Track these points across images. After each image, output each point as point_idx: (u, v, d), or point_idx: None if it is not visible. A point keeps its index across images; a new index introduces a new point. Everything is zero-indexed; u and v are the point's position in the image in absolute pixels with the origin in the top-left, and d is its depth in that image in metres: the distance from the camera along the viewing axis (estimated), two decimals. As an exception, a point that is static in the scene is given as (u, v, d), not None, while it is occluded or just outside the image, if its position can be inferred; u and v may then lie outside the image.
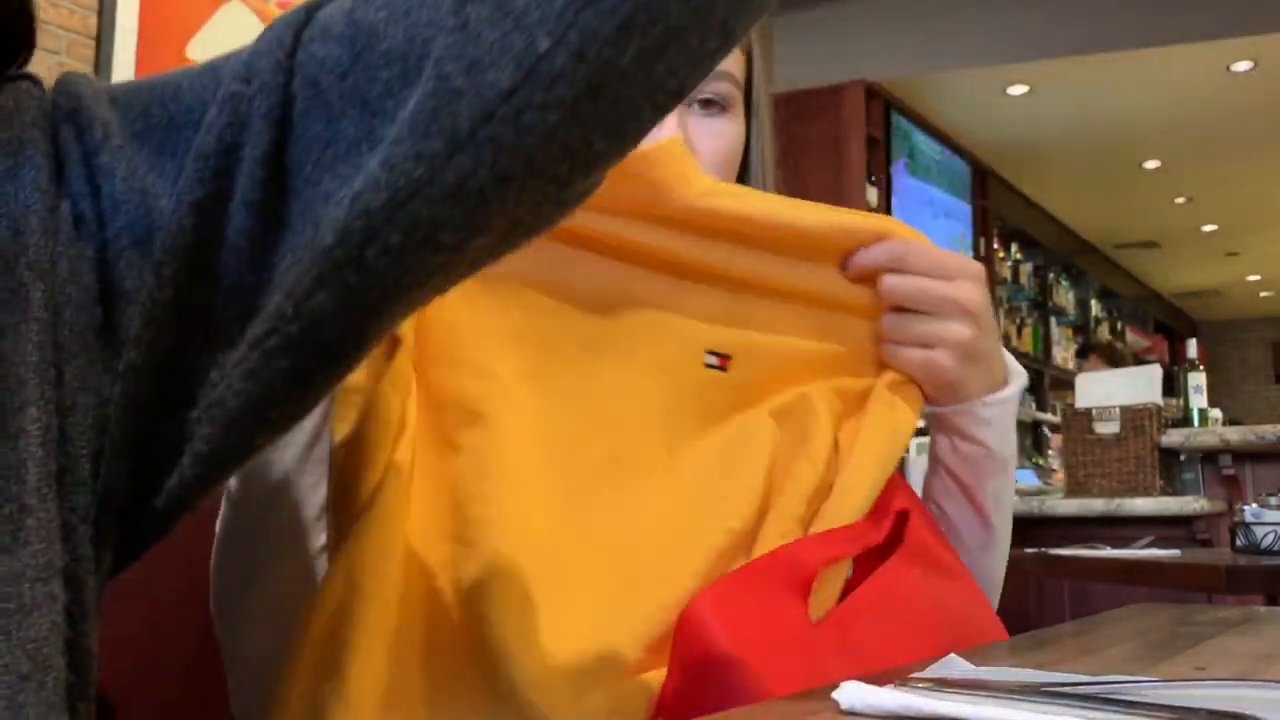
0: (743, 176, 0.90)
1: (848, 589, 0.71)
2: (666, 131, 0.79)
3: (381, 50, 0.45)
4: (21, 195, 0.46)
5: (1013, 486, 0.86)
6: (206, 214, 0.46)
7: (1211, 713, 0.43)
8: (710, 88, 0.85)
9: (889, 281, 0.76)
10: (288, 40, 0.47)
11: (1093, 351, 4.95)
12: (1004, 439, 0.82)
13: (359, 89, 0.45)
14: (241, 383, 0.46)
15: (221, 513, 0.76)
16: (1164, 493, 3.12)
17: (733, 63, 0.87)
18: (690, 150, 0.80)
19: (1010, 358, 0.82)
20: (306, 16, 0.48)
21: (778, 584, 0.67)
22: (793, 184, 0.94)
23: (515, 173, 0.43)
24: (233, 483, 0.74)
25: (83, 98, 0.49)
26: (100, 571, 0.47)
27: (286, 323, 0.45)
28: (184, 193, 0.46)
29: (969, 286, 0.76)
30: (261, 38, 0.48)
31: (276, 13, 3.28)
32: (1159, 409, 3.18)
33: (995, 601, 0.83)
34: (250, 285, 0.47)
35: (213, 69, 0.50)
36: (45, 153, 0.47)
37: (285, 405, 0.47)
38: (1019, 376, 0.82)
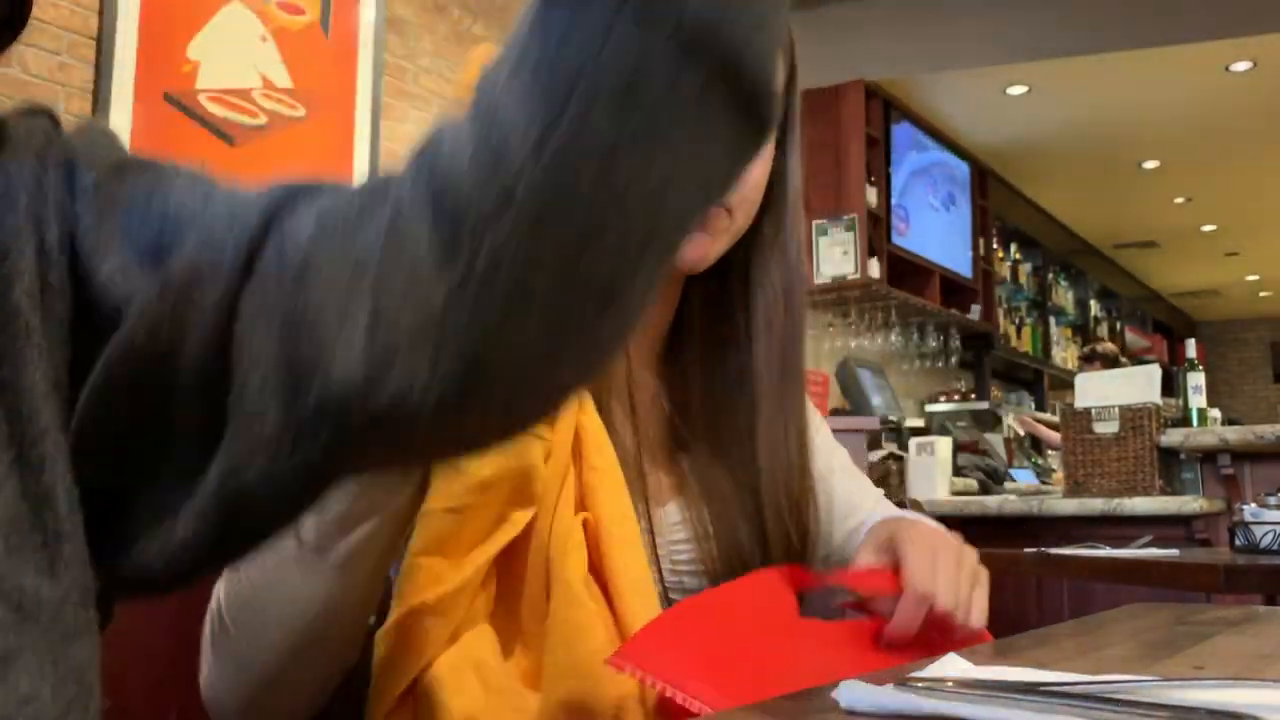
0: (765, 207, 0.82)
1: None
2: None
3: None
4: (9, 219, 0.44)
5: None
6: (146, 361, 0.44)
7: (1210, 712, 0.43)
8: None
9: None
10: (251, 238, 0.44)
11: (1097, 359, 4.95)
12: None
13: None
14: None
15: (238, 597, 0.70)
16: (1163, 492, 3.12)
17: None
18: None
19: None
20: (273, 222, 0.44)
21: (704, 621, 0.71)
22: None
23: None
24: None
25: (98, 166, 0.47)
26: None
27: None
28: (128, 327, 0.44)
29: None
30: (247, 199, 0.46)
31: (277, 14, 3.27)
32: (1158, 409, 3.18)
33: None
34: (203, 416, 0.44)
35: (204, 194, 0.47)
36: (38, 184, 0.45)
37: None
38: None
